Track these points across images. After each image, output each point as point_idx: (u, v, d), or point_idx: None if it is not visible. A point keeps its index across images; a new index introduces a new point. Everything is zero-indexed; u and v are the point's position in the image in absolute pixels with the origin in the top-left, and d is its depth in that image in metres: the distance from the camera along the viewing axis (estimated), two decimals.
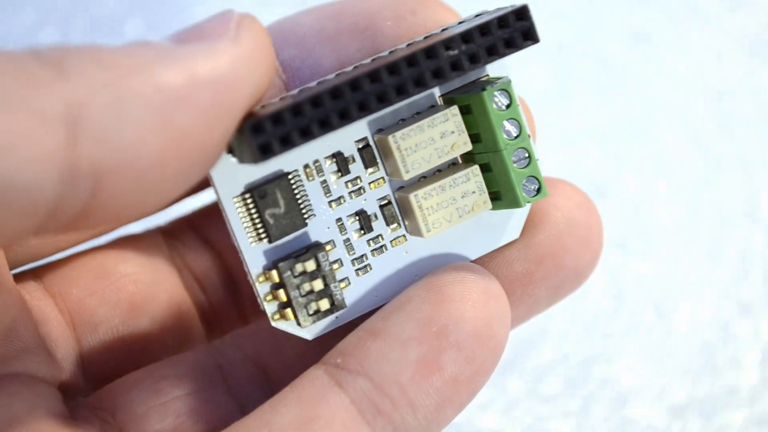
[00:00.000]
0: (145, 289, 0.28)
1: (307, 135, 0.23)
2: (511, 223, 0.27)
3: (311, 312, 0.25)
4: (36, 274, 0.28)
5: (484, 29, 0.24)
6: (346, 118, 0.23)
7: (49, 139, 0.20)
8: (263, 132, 0.23)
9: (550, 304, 0.28)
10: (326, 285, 0.25)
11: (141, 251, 0.29)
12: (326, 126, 0.23)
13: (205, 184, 0.27)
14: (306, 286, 0.25)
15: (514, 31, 0.25)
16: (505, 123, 0.25)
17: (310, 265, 0.25)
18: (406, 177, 0.25)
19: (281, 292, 0.25)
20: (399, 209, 0.26)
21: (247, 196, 0.25)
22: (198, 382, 0.27)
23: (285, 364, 0.28)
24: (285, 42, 0.27)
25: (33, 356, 0.26)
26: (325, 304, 0.25)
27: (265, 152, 0.23)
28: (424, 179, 0.26)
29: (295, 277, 0.25)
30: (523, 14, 0.25)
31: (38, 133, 0.20)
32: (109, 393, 0.27)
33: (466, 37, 0.24)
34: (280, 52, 0.27)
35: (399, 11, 0.26)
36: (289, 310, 0.25)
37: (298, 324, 0.25)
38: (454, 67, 0.24)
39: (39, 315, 0.27)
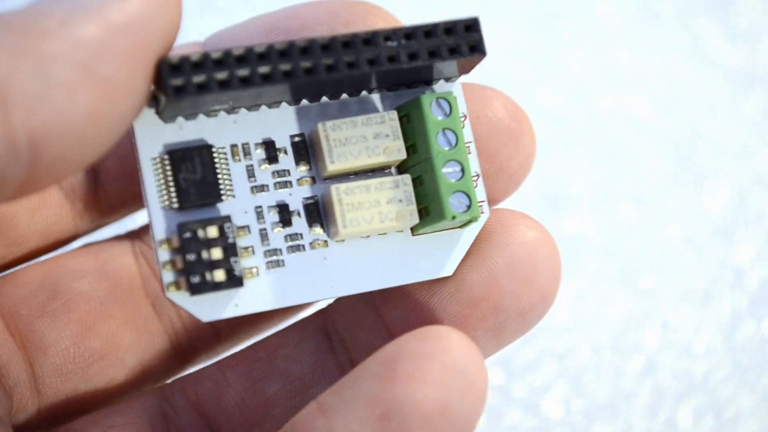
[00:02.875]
0: (99, 308, 0.27)
1: (226, 86, 0.23)
2: (447, 257, 0.26)
3: (204, 281, 0.24)
4: None
5: (429, 32, 0.24)
6: (269, 80, 0.23)
7: None
8: (180, 72, 0.23)
9: (498, 347, 0.26)
10: (225, 257, 0.24)
11: (102, 262, 0.28)
12: (247, 83, 0.23)
13: None
14: (204, 254, 0.24)
15: (461, 41, 0.24)
16: (442, 132, 0.25)
17: (212, 231, 0.24)
18: (330, 168, 0.24)
19: (180, 259, 0.24)
20: (323, 212, 0.25)
21: (165, 157, 0.24)
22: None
23: (226, 412, 0.27)
24: None
25: None
26: (220, 275, 0.24)
27: (178, 93, 0.23)
28: (351, 178, 0.25)
29: (195, 241, 0.24)
30: (473, 26, 0.24)
31: None
32: None
33: (408, 33, 0.24)
34: None
35: (331, 25, 0.26)
36: (183, 279, 0.24)
37: (190, 292, 0.24)
38: (390, 59, 0.24)
39: None
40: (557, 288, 0.26)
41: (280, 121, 0.25)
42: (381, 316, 0.27)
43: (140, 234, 0.29)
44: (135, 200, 0.28)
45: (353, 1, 0.27)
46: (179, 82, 0.23)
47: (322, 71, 0.24)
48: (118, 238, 0.29)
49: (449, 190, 0.24)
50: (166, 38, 0.23)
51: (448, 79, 0.26)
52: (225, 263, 0.24)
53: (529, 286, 0.26)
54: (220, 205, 0.25)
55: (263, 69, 0.23)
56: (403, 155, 0.25)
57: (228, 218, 0.24)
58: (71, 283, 0.27)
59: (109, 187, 0.28)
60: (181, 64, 0.23)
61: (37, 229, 0.27)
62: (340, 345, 0.27)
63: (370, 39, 0.24)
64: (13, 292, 0.27)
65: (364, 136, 0.25)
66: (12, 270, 0.28)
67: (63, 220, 0.28)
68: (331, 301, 0.28)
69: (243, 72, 0.23)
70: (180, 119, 0.25)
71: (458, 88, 0.26)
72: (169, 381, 0.28)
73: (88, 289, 0.27)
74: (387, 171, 0.25)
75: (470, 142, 0.26)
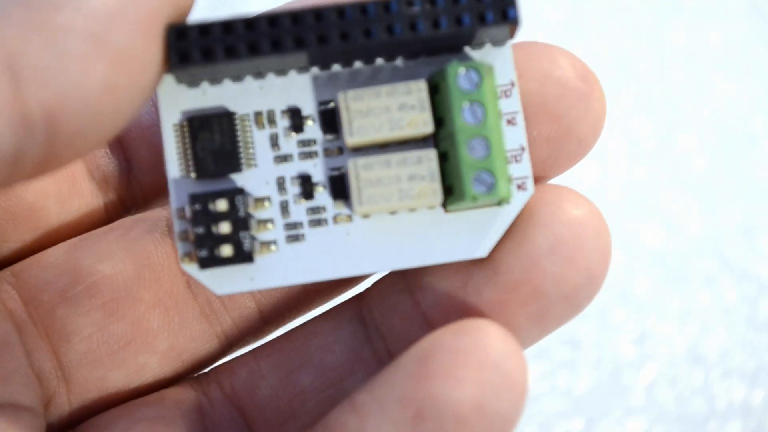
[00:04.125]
0: (124, 291, 0.26)
1: (232, 54, 0.22)
2: (481, 237, 0.24)
3: (212, 255, 0.23)
4: (13, 273, 0.27)
5: None
6: (278, 48, 0.22)
7: None
8: (185, 39, 0.22)
9: (543, 333, 0.24)
10: (234, 231, 0.23)
11: (130, 241, 0.27)
12: (255, 50, 0.22)
13: None
14: (213, 227, 0.23)
15: (491, 7, 0.22)
16: (469, 105, 0.23)
17: (222, 205, 0.23)
18: (350, 141, 0.23)
19: (191, 231, 0.23)
20: (348, 185, 0.24)
21: (185, 124, 0.24)
22: (175, 427, 0.26)
23: (260, 404, 0.26)
24: None
25: (21, 378, 0.25)
26: (227, 250, 0.23)
27: (183, 60, 0.22)
28: (379, 151, 0.24)
29: (204, 213, 0.23)
30: None
31: None
32: None
33: None
34: None
35: None
36: (194, 252, 0.23)
37: (199, 266, 0.23)
38: (411, 27, 0.22)
39: (19, 327, 0.26)
40: (606, 269, 0.24)
41: (309, 88, 0.24)
42: (416, 303, 0.25)
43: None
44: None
45: None
46: (183, 49, 0.22)
47: (335, 39, 0.22)
48: (154, 210, 0.28)
49: (471, 169, 0.23)
50: (180, 5, 0.22)
51: (496, 43, 0.24)
52: (233, 238, 0.23)
53: (573, 267, 0.24)
54: (239, 176, 0.24)
55: (272, 36, 0.22)
56: (429, 128, 0.23)
57: (240, 191, 0.23)
58: (94, 265, 0.26)
59: (143, 176, 0.27)
60: (187, 31, 0.22)
61: (68, 220, 0.27)
62: (375, 333, 0.26)
63: (389, 4, 0.22)
64: (35, 277, 0.26)
65: (388, 107, 0.23)
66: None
67: (94, 210, 0.27)
68: (367, 285, 0.27)
69: (250, 39, 0.22)
70: (204, 84, 0.24)
71: (506, 54, 0.24)
72: (206, 370, 0.27)
73: (112, 271, 0.26)
74: (419, 143, 0.24)
75: (516, 112, 0.24)
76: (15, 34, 0.20)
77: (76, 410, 0.26)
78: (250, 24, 0.22)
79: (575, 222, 0.24)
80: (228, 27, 0.22)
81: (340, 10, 0.22)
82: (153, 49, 0.21)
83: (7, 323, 0.25)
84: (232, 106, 0.24)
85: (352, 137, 0.23)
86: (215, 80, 0.24)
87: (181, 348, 0.27)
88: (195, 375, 0.27)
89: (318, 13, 0.22)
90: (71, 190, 0.27)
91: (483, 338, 0.22)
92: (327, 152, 0.24)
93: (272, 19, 0.22)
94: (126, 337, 0.26)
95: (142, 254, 0.26)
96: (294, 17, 0.22)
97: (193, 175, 0.24)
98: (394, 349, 0.26)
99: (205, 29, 0.22)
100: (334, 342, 0.26)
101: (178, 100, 0.24)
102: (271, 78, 0.24)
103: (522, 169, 0.24)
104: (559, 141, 0.24)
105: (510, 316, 0.24)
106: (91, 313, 0.26)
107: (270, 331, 0.28)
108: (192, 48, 0.22)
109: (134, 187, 0.28)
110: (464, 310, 0.24)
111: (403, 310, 0.25)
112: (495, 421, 0.22)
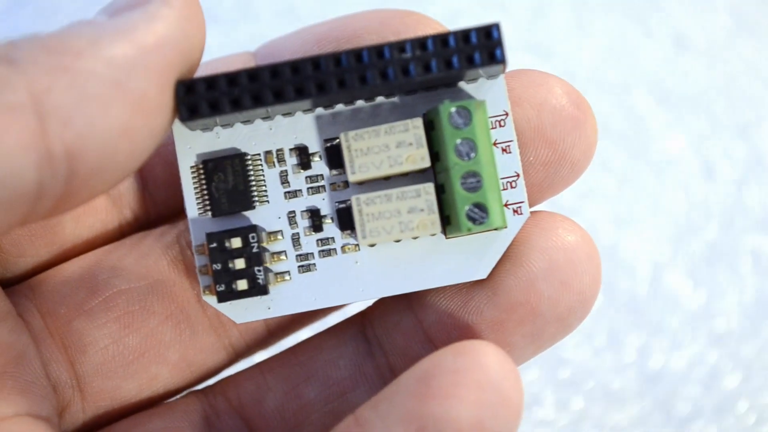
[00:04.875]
0: (138, 304, 0.28)
1: (237, 106, 0.24)
2: (481, 261, 0.26)
3: (229, 289, 0.25)
4: (30, 287, 0.28)
5: (444, 40, 0.24)
6: (280, 97, 0.24)
7: (21, 130, 0.21)
8: (193, 93, 0.24)
9: (536, 352, 0.26)
10: (248, 266, 0.25)
11: (143, 256, 0.28)
12: (258, 101, 0.24)
13: None
14: (229, 263, 0.25)
15: (479, 49, 0.24)
16: (460, 143, 0.24)
17: (236, 242, 0.25)
18: (352, 178, 0.25)
19: (210, 266, 0.25)
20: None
21: (200, 166, 0.26)
22: None
23: (265, 416, 0.28)
24: None
25: (37, 389, 0.26)
26: (243, 284, 0.25)
27: (192, 113, 0.24)
28: (380, 185, 0.25)
29: (220, 251, 0.25)
30: (492, 33, 0.24)
31: (11, 126, 0.21)
32: None
33: (423, 43, 0.24)
34: None
35: (382, 33, 0.26)
36: (213, 286, 0.25)
37: (218, 299, 0.25)
38: (404, 72, 0.24)
39: (35, 339, 0.27)
40: (597, 292, 0.26)
41: (314, 126, 0.26)
42: (419, 321, 0.27)
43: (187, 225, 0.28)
44: (183, 208, 0.29)
45: (405, 12, 0.27)
46: (192, 103, 0.24)
47: (333, 87, 0.24)
48: (164, 227, 0.29)
49: (465, 202, 0.24)
50: (191, 57, 0.24)
51: (490, 77, 0.25)
52: (248, 273, 0.25)
53: (567, 290, 0.25)
54: (252, 212, 0.26)
55: (274, 87, 0.24)
56: (426, 163, 0.25)
57: (253, 228, 0.25)
58: (110, 280, 0.28)
59: (157, 194, 0.29)
60: (194, 85, 0.24)
61: (83, 236, 0.28)
62: (378, 349, 0.28)
63: (382, 51, 0.24)
64: (53, 290, 0.27)
65: (387, 145, 0.25)
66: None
67: (109, 227, 0.29)
68: (369, 303, 0.28)
69: (254, 91, 0.24)
70: (217, 127, 0.26)
71: (500, 86, 0.25)
72: (212, 382, 0.29)
73: (127, 286, 0.28)
74: (419, 175, 0.25)
75: (510, 141, 0.25)
76: (41, 76, 0.21)
77: (89, 419, 0.28)
78: (253, 76, 0.24)
79: (569, 247, 0.25)
80: (233, 80, 0.24)
81: (336, 59, 0.24)
82: (166, 95, 0.23)
83: (24, 336, 0.27)
84: (243, 147, 0.26)
85: (354, 175, 0.25)
86: (227, 124, 0.26)
87: (191, 359, 0.28)
88: (202, 387, 0.29)
89: (316, 62, 0.24)
90: (87, 206, 0.28)
91: (481, 359, 0.23)
92: (333, 186, 0.26)
93: (274, 71, 0.24)
94: (140, 349, 0.28)
95: (154, 269, 0.28)
96: (294, 67, 0.24)
97: (209, 213, 0.25)
98: (396, 364, 0.27)
99: (211, 83, 0.24)
100: (338, 357, 0.28)
101: (194, 143, 0.26)
102: (279, 119, 0.26)
103: (517, 194, 0.25)
104: (555, 165, 0.26)
105: (508, 334, 0.26)
106: (107, 325, 0.27)
107: (274, 342, 0.29)
108: (200, 101, 0.24)
109: (148, 204, 0.29)
110: (465, 329, 0.26)
111: (406, 328, 0.27)
112: None
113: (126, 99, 0.22)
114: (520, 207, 0.25)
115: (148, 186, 0.29)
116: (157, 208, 0.29)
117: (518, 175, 0.25)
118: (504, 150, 0.25)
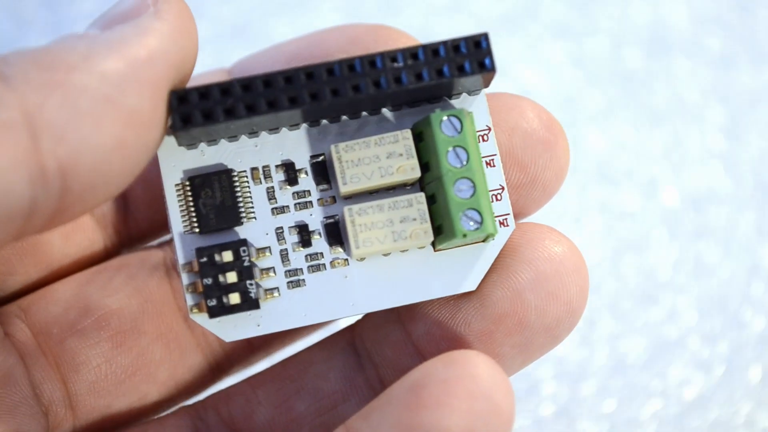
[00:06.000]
0: (130, 324, 0.28)
1: (231, 115, 0.24)
2: (469, 272, 0.26)
3: (221, 304, 0.25)
4: (21, 307, 0.28)
5: (435, 50, 0.24)
6: (273, 107, 0.24)
7: (13, 148, 0.21)
8: (187, 103, 0.24)
9: (523, 363, 0.26)
10: (240, 280, 0.25)
11: (132, 277, 0.28)
12: (252, 110, 0.24)
13: None
14: (220, 278, 0.25)
15: (469, 58, 0.24)
16: (453, 150, 0.25)
17: (227, 256, 0.25)
18: (343, 190, 0.25)
19: (199, 283, 0.25)
20: (343, 231, 0.26)
21: (187, 183, 0.25)
22: None
23: (256, 430, 0.28)
24: None
25: (26, 408, 0.26)
26: (235, 298, 0.25)
27: (186, 123, 0.24)
28: (370, 197, 0.26)
29: (210, 265, 0.25)
30: (481, 42, 0.24)
31: (3, 143, 0.21)
32: None
33: (414, 53, 0.24)
34: None
35: (352, 52, 0.26)
36: (203, 302, 0.25)
37: (209, 315, 0.25)
38: (396, 81, 0.24)
39: (26, 359, 0.27)
40: (585, 302, 0.26)
41: (300, 142, 0.26)
42: (407, 333, 0.27)
43: (171, 242, 0.29)
44: (164, 226, 0.29)
45: (375, 27, 0.27)
46: (186, 112, 0.24)
47: (327, 96, 0.24)
48: (149, 249, 0.29)
49: (459, 208, 0.24)
50: (184, 69, 0.24)
51: (471, 92, 0.26)
52: (240, 286, 0.25)
53: (555, 301, 0.25)
54: (240, 228, 0.25)
55: (268, 96, 0.24)
56: (417, 174, 0.25)
57: (244, 242, 0.25)
58: (102, 300, 0.28)
59: (138, 213, 0.29)
60: (188, 95, 0.24)
61: (71, 254, 0.28)
62: (368, 362, 0.27)
63: (375, 61, 0.24)
64: (44, 311, 0.27)
65: (377, 156, 0.25)
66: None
67: (95, 245, 0.29)
68: (359, 317, 0.28)
69: (247, 100, 0.24)
70: (202, 145, 0.25)
71: (482, 101, 0.26)
72: (201, 398, 0.28)
73: (118, 306, 0.28)
74: (407, 188, 0.26)
75: (494, 155, 0.26)
76: (33, 92, 0.21)
77: None
78: (246, 86, 0.24)
79: (556, 258, 0.26)
80: (226, 90, 0.24)
81: (329, 69, 0.24)
82: (159, 110, 0.23)
83: (11, 357, 0.27)
84: (229, 164, 0.26)
85: (345, 186, 0.25)
86: (212, 141, 0.25)
87: (179, 378, 0.28)
88: (192, 402, 0.28)
89: (309, 72, 0.24)
90: (75, 224, 0.28)
91: (472, 369, 0.23)
92: (321, 201, 0.26)
93: (267, 81, 0.24)
94: (132, 368, 0.27)
95: (144, 290, 0.28)
96: (287, 77, 0.24)
97: (197, 230, 0.25)
98: (386, 377, 0.27)
99: (205, 93, 0.24)
100: (328, 370, 0.27)
101: (178, 160, 0.25)
102: (265, 136, 0.26)
103: (503, 207, 0.26)
104: (527, 188, 0.26)
105: (496, 345, 0.26)
106: (100, 344, 0.27)
107: (260, 360, 0.29)
108: (193, 111, 0.24)
109: (130, 223, 0.29)
110: (454, 340, 0.26)
111: (395, 341, 0.27)
112: None
113: (119, 114, 0.22)
114: (506, 219, 0.26)
115: (130, 206, 0.29)
116: (139, 226, 0.29)
117: (503, 188, 0.26)
118: (488, 164, 0.26)
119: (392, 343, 0.27)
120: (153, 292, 0.28)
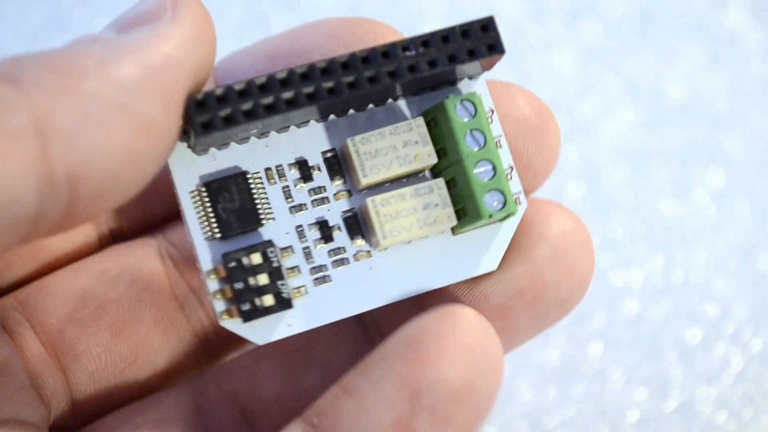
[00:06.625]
0: (128, 313, 0.28)
1: (251, 116, 0.23)
2: (489, 252, 0.26)
3: (254, 307, 0.24)
4: (18, 300, 0.28)
5: (446, 37, 0.24)
6: (293, 104, 0.24)
7: (23, 153, 0.20)
8: (206, 107, 0.23)
9: (534, 334, 0.27)
10: (272, 281, 0.25)
11: (129, 266, 0.28)
12: (272, 110, 0.24)
13: None
14: (251, 281, 0.25)
15: (478, 42, 0.25)
16: (470, 133, 0.25)
17: (256, 258, 0.25)
18: (364, 181, 0.25)
19: (228, 288, 0.25)
20: (363, 223, 0.26)
21: (203, 189, 0.25)
22: (177, 428, 0.27)
23: (262, 403, 0.28)
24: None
25: (24, 397, 0.26)
26: (269, 299, 0.24)
27: (206, 128, 0.23)
28: (387, 188, 0.26)
29: (240, 269, 0.24)
30: (489, 26, 0.25)
31: (12, 150, 0.20)
32: None
33: (425, 40, 0.24)
34: None
35: (331, 47, 0.26)
36: (234, 307, 0.25)
37: (243, 320, 0.24)
38: (410, 69, 0.24)
39: (24, 349, 0.27)
40: (592, 276, 0.27)
41: (311, 139, 0.26)
42: (421, 306, 0.27)
43: (165, 232, 0.29)
44: (154, 224, 0.29)
45: (355, 20, 0.27)
46: (206, 117, 0.23)
47: (345, 90, 0.24)
48: (144, 238, 0.29)
49: (483, 190, 0.25)
50: (199, 77, 0.23)
51: (471, 77, 0.26)
52: (272, 287, 0.25)
53: (570, 275, 0.26)
54: (261, 230, 0.25)
55: (287, 94, 0.24)
56: (434, 160, 0.25)
57: (270, 242, 0.25)
58: (99, 290, 0.27)
59: (128, 209, 0.29)
60: (206, 99, 0.23)
61: (66, 248, 0.28)
62: (377, 334, 0.28)
63: (388, 51, 0.24)
64: (42, 302, 0.27)
65: (394, 145, 0.25)
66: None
67: (90, 239, 0.29)
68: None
69: (267, 100, 0.23)
70: (213, 150, 0.25)
71: (482, 85, 0.26)
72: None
73: (116, 295, 0.27)
74: (421, 175, 0.26)
75: (500, 135, 0.26)
76: (44, 98, 0.21)
77: (79, 422, 0.27)
78: (263, 86, 0.23)
79: (569, 233, 0.26)
80: (244, 92, 0.23)
81: (344, 63, 0.24)
82: (173, 118, 0.23)
83: (6, 348, 0.26)
84: (243, 166, 0.25)
85: (366, 178, 0.25)
86: (223, 145, 0.25)
87: (177, 364, 0.28)
88: (193, 376, 0.28)
89: (325, 68, 0.24)
90: None
91: (466, 323, 0.24)
92: (337, 196, 0.26)
93: (284, 79, 0.24)
94: (131, 356, 0.28)
95: (140, 278, 0.28)
96: (303, 75, 0.24)
97: (218, 235, 0.25)
98: None
99: (223, 96, 0.23)
100: (337, 343, 0.28)
101: (190, 167, 0.25)
102: (274, 135, 0.25)
103: (514, 185, 0.26)
104: (519, 174, 0.27)
105: (513, 319, 0.26)
106: (99, 334, 0.27)
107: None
108: (214, 115, 0.23)
109: (121, 217, 0.29)
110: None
111: (408, 313, 0.27)
112: (483, 398, 0.24)
113: (131, 122, 0.22)
114: (518, 197, 0.26)
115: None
116: (130, 221, 0.29)
117: (512, 168, 0.26)
118: (496, 145, 0.26)
119: (403, 315, 0.27)
120: (149, 280, 0.28)
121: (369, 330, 0.28)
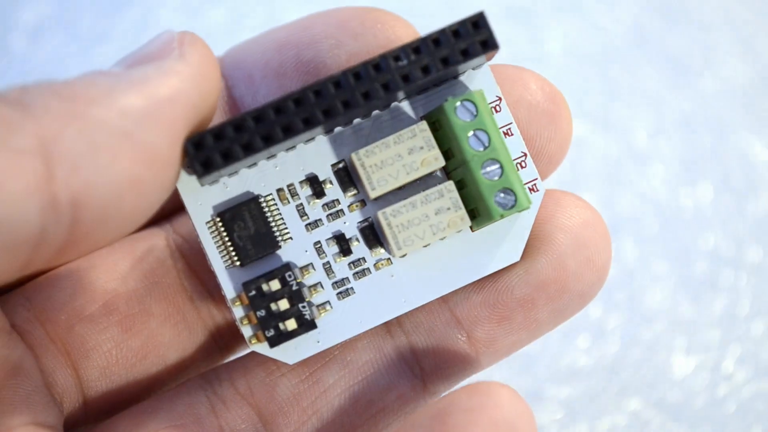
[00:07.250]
0: (137, 307, 0.27)
1: (250, 150, 0.24)
2: (510, 245, 0.26)
3: (279, 332, 0.25)
4: (25, 296, 0.27)
5: (437, 40, 0.24)
6: (290, 132, 0.24)
7: (28, 175, 0.21)
8: (203, 147, 0.23)
9: (554, 326, 0.27)
10: (293, 304, 0.25)
11: (138, 259, 0.28)
12: (270, 140, 0.24)
13: None
14: (273, 306, 0.25)
15: (471, 41, 0.24)
16: (473, 134, 0.25)
17: (275, 284, 0.25)
18: (373, 195, 0.25)
19: (253, 314, 0.25)
20: (380, 232, 0.26)
21: (218, 219, 0.25)
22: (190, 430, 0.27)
23: (279, 403, 0.27)
24: (234, 80, 0.27)
25: (40, 398, 0.26)
26: (292, 323, 0.25)
27: (207, 168, 0.23)
28: (400, 194, 0.26)
29: (261, 297, 0.25)
30: (480, 22, 0.24)
31: (18, 171, 0.21)
32: None
33: (416, 47, 0.24)
34: (231, 91, 0.28)
35: (339, 38, 0.26)
36: (261, 333, 0.25)
37: (270, 345, 0.25)
38: (405, 79, 0.24)
39: (35, 348, 0.27)
40: (609, 267, 0.26)
41: (319, 154, 0.26)
42: (444, 299, 0.27)
43: (173, 222, 0.29)
44: (161, 214, 0.29)
45: (363, 10, 0.27)
46: (204, 157, 0.23)
47: (340, 110, 0.24)
48: (152, 230, 0.29)
49: (492, 191, 0.24)
50: (204, 112, 0.24)
51: (475, 68, 0.26)
52: (294, 311, 0.25)
53: (591, 266, 0.26)
54: (280, 252, 0.25)
55: (281, 123, 0.24)
56: (441, 162, 0.25)
57: (288, 266, 0.25)
58: (108, 284, 0.27)
59: None
60: (203, 139, 0.23)
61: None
62: (398, 328, 0.27)
63: (379, 64, 0.24)
64: (50, 297, 0.27)
65: (399, 154, 0.25)
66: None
67: None
68: None
69: (262, 131, 0.24)
70: (223, 178, 0.25)
71: (487, 74, 0.26)
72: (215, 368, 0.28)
73: (125, 289, 0.27)
74: (428, 181, 0.26)
75: (509, 123, 0.26)
76: (51, 121, 0.21)
77: (91, 418, 0.27)
78: (258, 117, 0.24)
79: (589, 224, 0.26)
80: (239, 125, 0.24)
81: (336, 82, 0.24)
82: (176, 149, 0.23)
83: (19, 348, 0.26)
84: (254, 190, 0.25)
85: (374, 190, 0.25)
86: (233, 172, 0.25)
87: (189, 359, 0.28)
88: (205, 373, 0.28)
89: (317, 90, 0.24)
90: None
91: (496, 398, 0.24)
92: (351, 207, 0.26)
93: (278, 108, 0.24)
94: (142, 351, 0.27)
95: (149, 272, 0.28)
96: (296, 100, 0.24)
97: (237, 263, 0.25)
98: (418, 343, 0.27)
99: (219, 133, 0.23)
100: (355, 340, 0.27)
101: (203, 198, 0.25)
102: (282, 155, 0.26)
103: (529, 173, 0.26)
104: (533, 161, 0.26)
105: (536, 311, 0.26)
106: (109, 329, 0.27)
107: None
108: (212, 154, 0.23)
109: None
110: (494, 306, 0.26)
111: (430, 306, 0.27)
112: None
113: (135, 150, 0.22)
114: (534, 184, 0.26)
115: None
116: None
117: (525, 155, 0.26)
118: (506, 134, 0.26)
119: (427, 309, 0.27)
120: (158, 274, 0.28)
121: (389, 326, 0.28)
